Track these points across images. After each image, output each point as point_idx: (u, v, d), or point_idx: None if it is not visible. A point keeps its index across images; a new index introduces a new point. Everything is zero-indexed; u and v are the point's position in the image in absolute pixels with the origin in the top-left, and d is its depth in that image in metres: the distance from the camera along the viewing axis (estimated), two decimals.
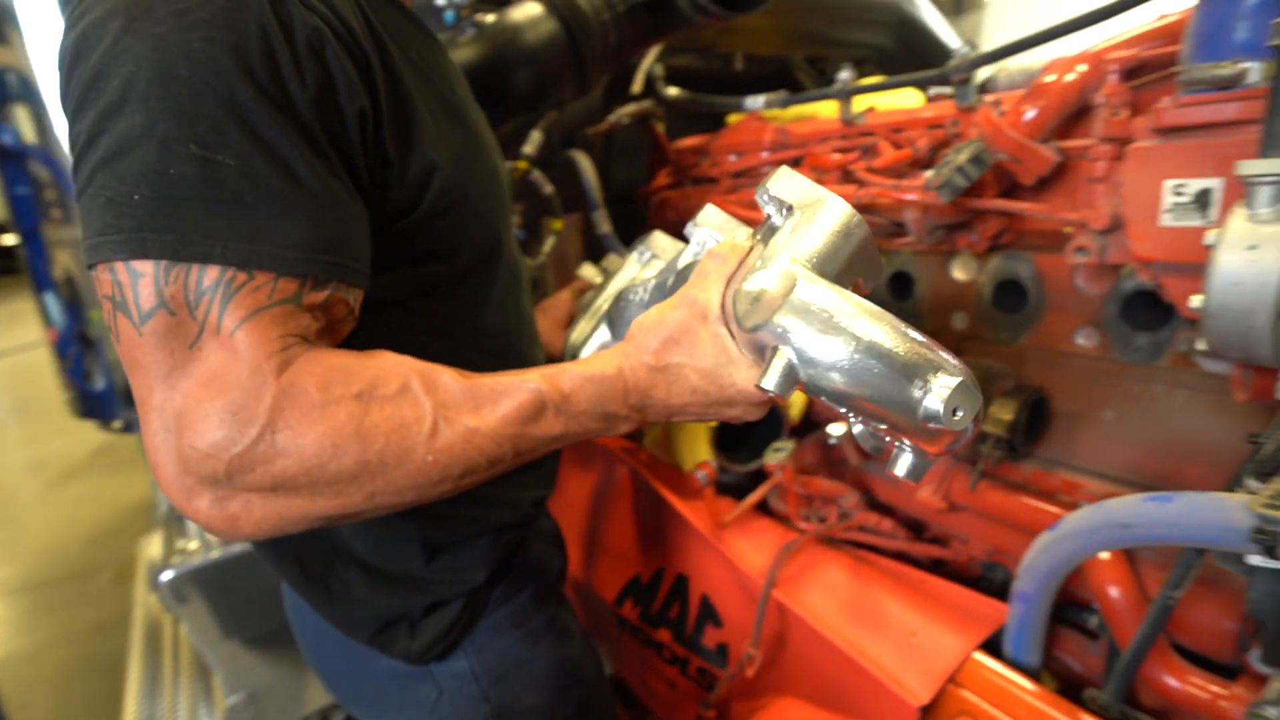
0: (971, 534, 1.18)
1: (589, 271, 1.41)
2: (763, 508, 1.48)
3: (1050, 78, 0.98)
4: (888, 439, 0.65)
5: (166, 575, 1.58)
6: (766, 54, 2.04)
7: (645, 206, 1.85)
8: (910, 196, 1.06)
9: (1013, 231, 1.14)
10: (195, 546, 1.77)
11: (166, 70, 0.57)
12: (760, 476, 1.36)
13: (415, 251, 0.78)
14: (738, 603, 1.29)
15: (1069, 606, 1.08)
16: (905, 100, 1.47)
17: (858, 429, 0.69)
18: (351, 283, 0.66)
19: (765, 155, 1.37)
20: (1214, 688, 0.86)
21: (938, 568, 1.27)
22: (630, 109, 1.77)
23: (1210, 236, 0.66)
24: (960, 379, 0.56)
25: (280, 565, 0.91)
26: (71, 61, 0.60)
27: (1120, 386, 1.08)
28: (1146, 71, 0.92)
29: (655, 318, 0.71)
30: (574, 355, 1.13)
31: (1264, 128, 0.64)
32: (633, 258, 1.17)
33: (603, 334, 1.10)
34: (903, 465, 0.63)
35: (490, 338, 0.89)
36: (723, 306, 0.68)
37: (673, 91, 1.79)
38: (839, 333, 0.58)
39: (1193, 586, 0.88)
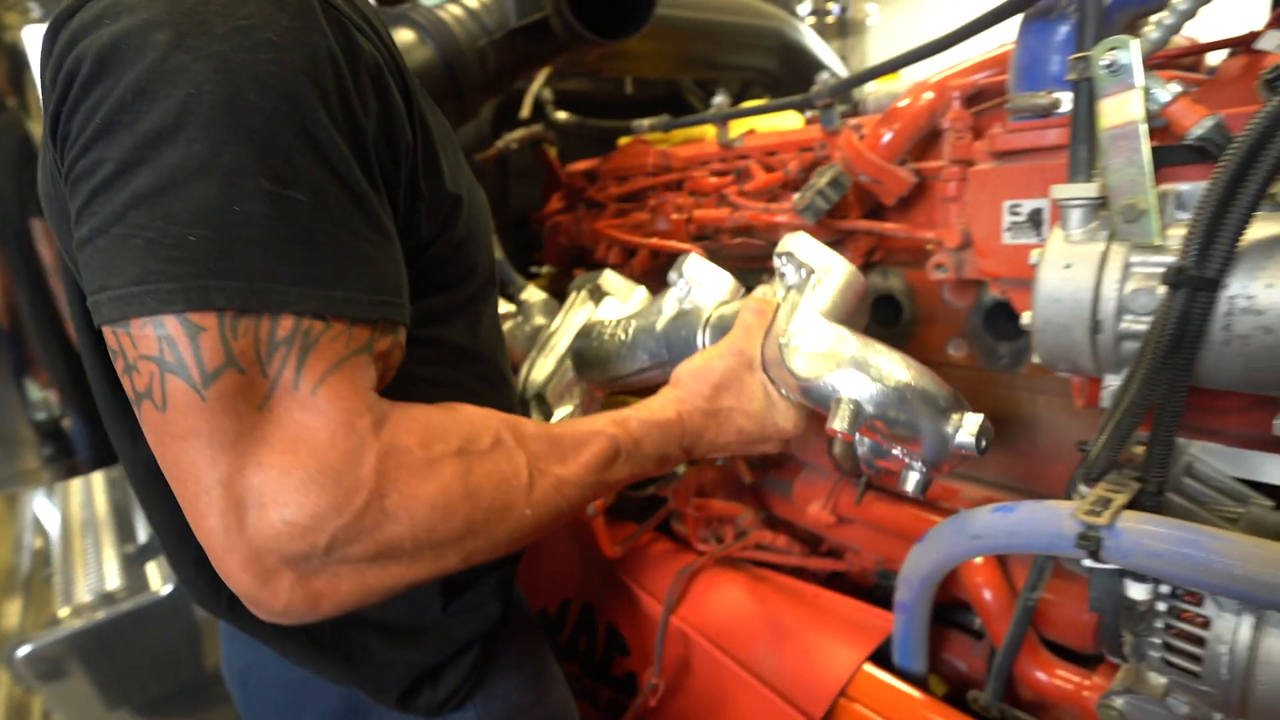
0: (862, 545, 1.20)
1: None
2: (668, 531, 1.48)
3: (903, 103, 1.03)
4: (897, 459, 0.76)
5: (25, 649, 1.44)
6: (655, 77, 2.07)
7: (540, 231, 1.84)
8: (781, 219, 1.08)
9: (883, 249, 1.18)
10: (66, 613, 1.63)
11: (234, 94, 0.50)
12: (660, 501, 1.35)
13: (430, 282, 0.74)
14: (643, 630, 1.28)
15: (956, 608, 1.12)
16: (786, 123, 1.51)
17: (862, 451, 0.79)
18: (406, 325, 0.61)
19: (648, 179, 1.37)
20: (1076, 679, 0.90)
21: (837, 578, 1.29)
22: (519, 134, 1.76)
23: (1034, 256, 0.70)
24: (981, 416, 0.70)
25: (278, 638, 0.80)
26: (93, 74, 0.51)
27: (989, 394, 1.13)
28: (985, 98, 0.98)
29: (701, 365, 0.80)
30: (537, 394, 1.11)
31: (1070, 154, 0.68)
32: (582, 295, 1.16)
33: (568, 374, 1.10)
34: (912, 483, 0.75)
35: (485, 363, 0.86)
36: (763, 355, 0.79)
37: (561, 115, 1.79)
38: (893, 382, 0.71)
39: (1058, 583, 0.93)
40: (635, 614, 1.30)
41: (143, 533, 1.88)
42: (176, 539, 0.77)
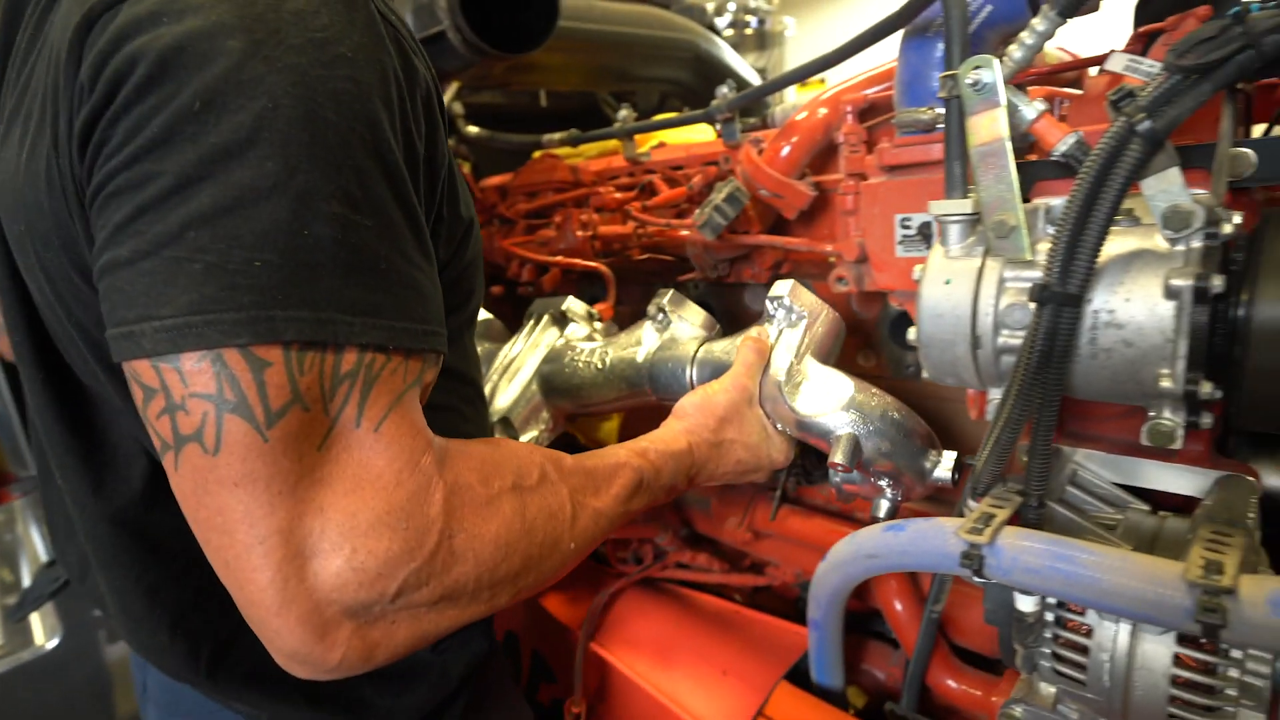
0: (781, 559, 1.20)
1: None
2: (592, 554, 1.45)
3: (800, 116, 1.03)
4: (870, 488, 0.83)
5: None
6: (569, 90, 2.05)
7: None
8: (686, 234, 1.07)
9: (790, 262, 1.18)
10: None
11: (312, 110, 0.46)
12: None
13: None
14: (566, 657, 1.25)
15: (875, 617, 1.12)
16: (700, 136, 1.51)
17: (838, 480, 0.86)
18: (445, 354, 0.59)
19: (557, 195, 1.35)
20: (985, 687, 0.91)
21: (763, 592, 1.29)
22: None
23: (916, 272, 0.70)
24: (955, 454, 0.80)
25: (269, 700, 0.72)
26: (151, 78, 0.45)
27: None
28: (878, 112, 0.99)
29: (705, 399, 0.83)
30: (503, 419, 1.10)
31: (946, 170, 0.68)
32: (545, 320, 1.17)
33: (535, 398, 1.12)
34: (883, 510, 0.82)
35: (471, 385, 0.84)
36: (760, 391, 0.86)
37: (473, 130, 1.75)
38: (886, 421, 0.79)
39: (968, 590, 0.93)
40: (558, 640, 1.27)
41: (27, 577, 1.74)
42: (146, 602, 0.68)
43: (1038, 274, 0.62)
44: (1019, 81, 0.81)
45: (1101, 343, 0.58)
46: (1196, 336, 0.54)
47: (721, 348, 0.92)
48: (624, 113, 1.26)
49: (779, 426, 0.86)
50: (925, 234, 0.86)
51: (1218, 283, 0.52)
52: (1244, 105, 0.87)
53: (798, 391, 0.84)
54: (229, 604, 0.50)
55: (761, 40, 2.91)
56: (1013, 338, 0.64)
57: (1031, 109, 0.65)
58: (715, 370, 0.90)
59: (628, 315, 1.20)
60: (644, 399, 1.03)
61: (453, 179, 0.67)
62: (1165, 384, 0.55)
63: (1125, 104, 0.53)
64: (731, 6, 3.66)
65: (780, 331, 0.89)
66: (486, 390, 1.12)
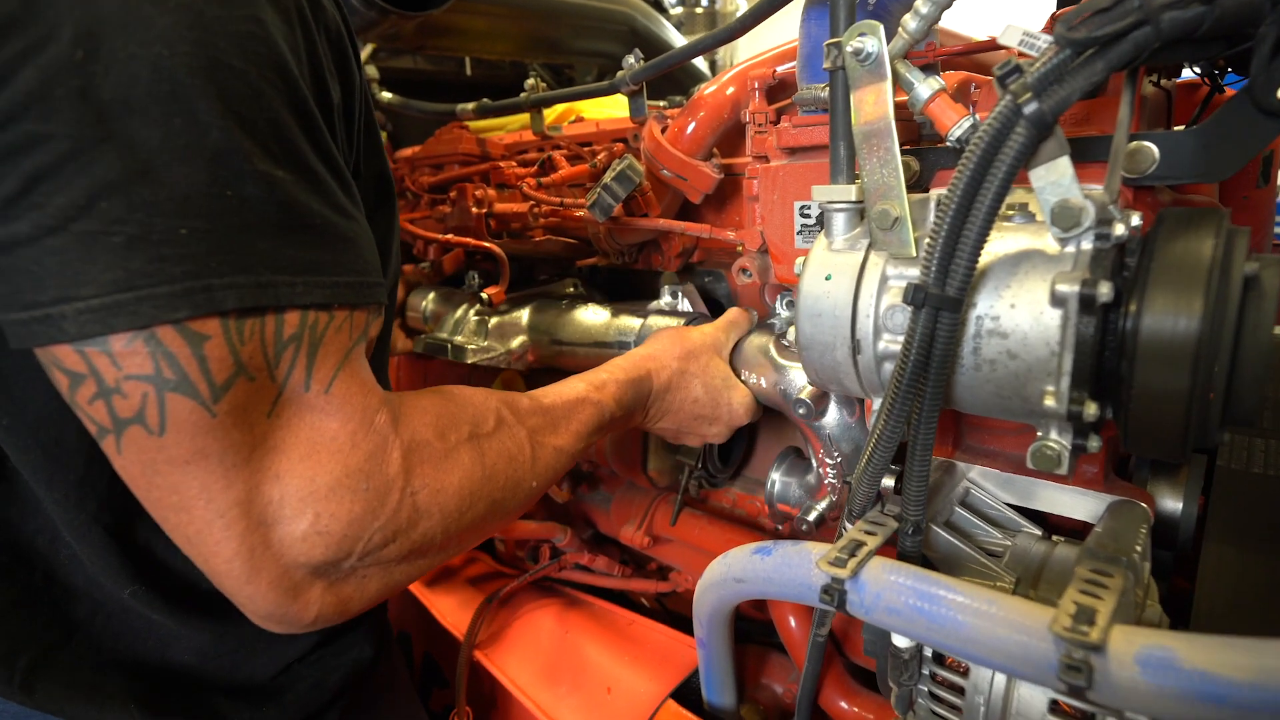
0: (683, 565, 1.13)
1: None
2: (491, 551, 1.37)
3: (708, 91, 0.95)
4: (799, 503, 0.88)
5: None
6: (495, 59, 1.94)
7: None
8: (581, 214, 0.98)
9: (702, 250, 1.11)
10: None
11: (215, 58, 0.42)
12: None
13: None
14: (454, 662, 1.16)
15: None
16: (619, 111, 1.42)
17: (777, 490, 0.92)
18: (385, 304, 0.57)
19: (459, 169, 1.24)
20: (873, 713, 0.85)
21: (669, 595, 1.22)
22: None
23: (798, 265, 0.63)
24: None
25: (100, 705, 0.63)
26: (13, 17, 0.39)
27: None
28: (789, 90, 0.91)
29: (675, 331, 0.88)
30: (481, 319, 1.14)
31: (831, 152, 0.61)
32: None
33: (520, 323, 1.14)
34: (813, 515, 0.84)
35: (389, 354, 0.81)
36: (742, 353, 0.90)
37: (386, 96, 1.62)
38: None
39: None
40: (447, 645, 1.18)
41: None
42: None
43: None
44: (928, 62, 0.74)
45: (985, 353, 0.52)
46: (1082, 350, 0.47)
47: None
48: (530, 81, 1.17)
49: (754, 379, 0.88)
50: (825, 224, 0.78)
51: (1105, 290, 0.45)
52: (1164, 104, 0.82)
53: (785, 357, 0.86)
54: (61, 608, 0.50)
55: (712, 21, 2.82)
56: (894, 343, 0.57)
57: (926, 87, 0.57)
58: None
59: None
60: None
61: (371, 132, 0.63)
62: (1049, 402, 0.49)
63: (1011, 80, 0.46)
64: None
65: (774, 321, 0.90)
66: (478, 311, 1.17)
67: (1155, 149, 0.53)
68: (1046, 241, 0.51)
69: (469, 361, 1.08)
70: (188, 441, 0.44)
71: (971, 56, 0.95)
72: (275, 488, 0.46)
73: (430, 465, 0.53)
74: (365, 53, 1.65)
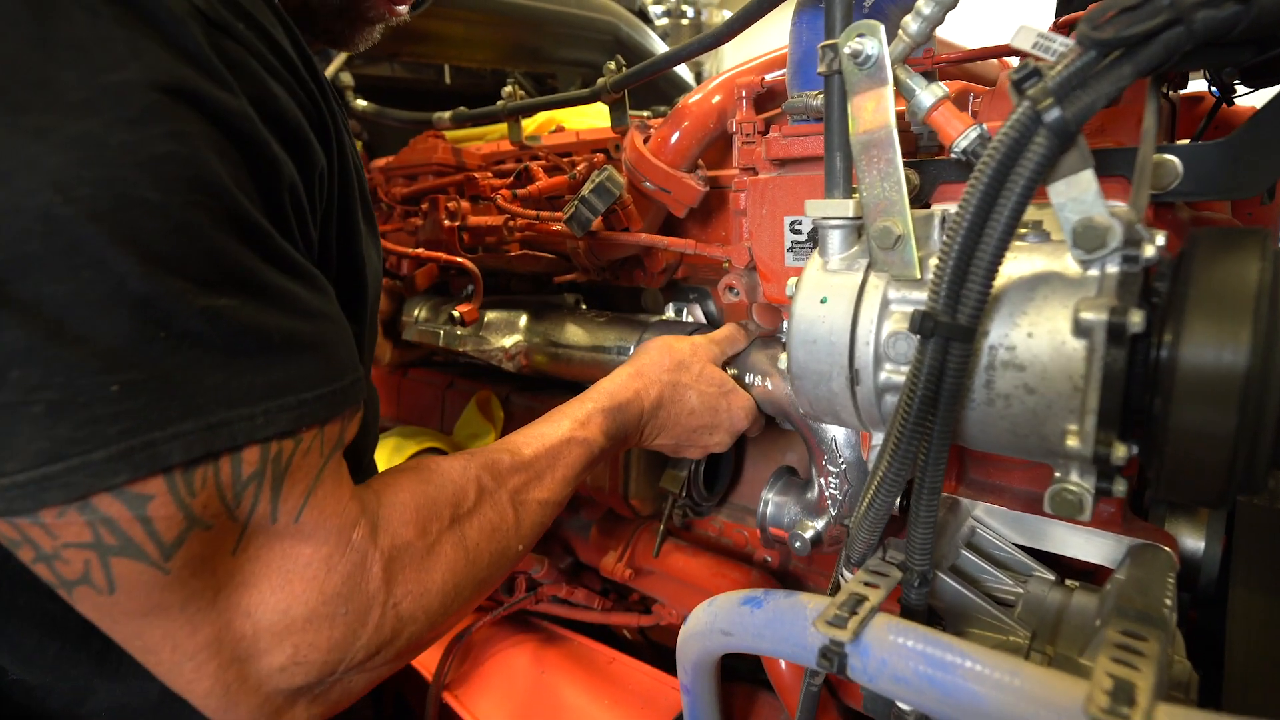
0: (667, 597, 1.07)
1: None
2: None
3: (693, 99, 0.90)
4: (794, 521, 0.82)
5: None
6: (478, 68, 1.88)
7: None
8: (558, 228, 0.93)
9: (686, 266, 1.06)
10: None
11: (123, 195, 0.37)
12: None
13: None
14: (424, 701, 1.09)
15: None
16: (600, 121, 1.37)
17: (771, 511, 0.85)
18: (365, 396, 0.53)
19: (434, 180, 1.19)
20: None
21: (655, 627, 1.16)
22: None
23: (790, 286, 0.57)
24: None
25: None
26: None
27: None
28: (778, 99, 0.86)
29: (663, 343, 0.83)
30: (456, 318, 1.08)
31: (826, 163, 0.55)
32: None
33: (518, 322, 1.10)
34: (800, 542, 0.79)
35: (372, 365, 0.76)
36: (748, 361, 0.85)
37: (361, 104, 1.57)
38: None
39: None
40: (417, 683, 1.11)
41: None
42: None
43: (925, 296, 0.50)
44: (926, 70, 0.69)
45: (999, 387, 0.47)
46: (1110, 386, 0.42)
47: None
48: (508, 89, 1.11)
49: (759, 382, 0.83)
50: (817, 240, 0.74)
51: (1137, 319, 0.40)
52: (1168, 116, 0.78)
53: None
54: None
55: (698, 32, 2.79)
56: (896, 374, 0.52)
57: (929, 94, 0.52)
58: None
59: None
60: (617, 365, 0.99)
61: (349, 217, 0.56)
62: (1072, 443, 0.44)
63: (1029, 85, 0.41)
64: None
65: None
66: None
67: (1179, 163, 0.48)
68: (1065, 263, 0.46)
69: (460, 350, 1.03)
70: (142, 598, 0.40)
71: (963, 67, 0.92)
72: (247, 624, 0.44)
73: (412, 569, 0.51)
74: (339, 60, 1.59)
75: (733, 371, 0.87)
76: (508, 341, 1.07)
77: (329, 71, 1.58)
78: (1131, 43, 0.39)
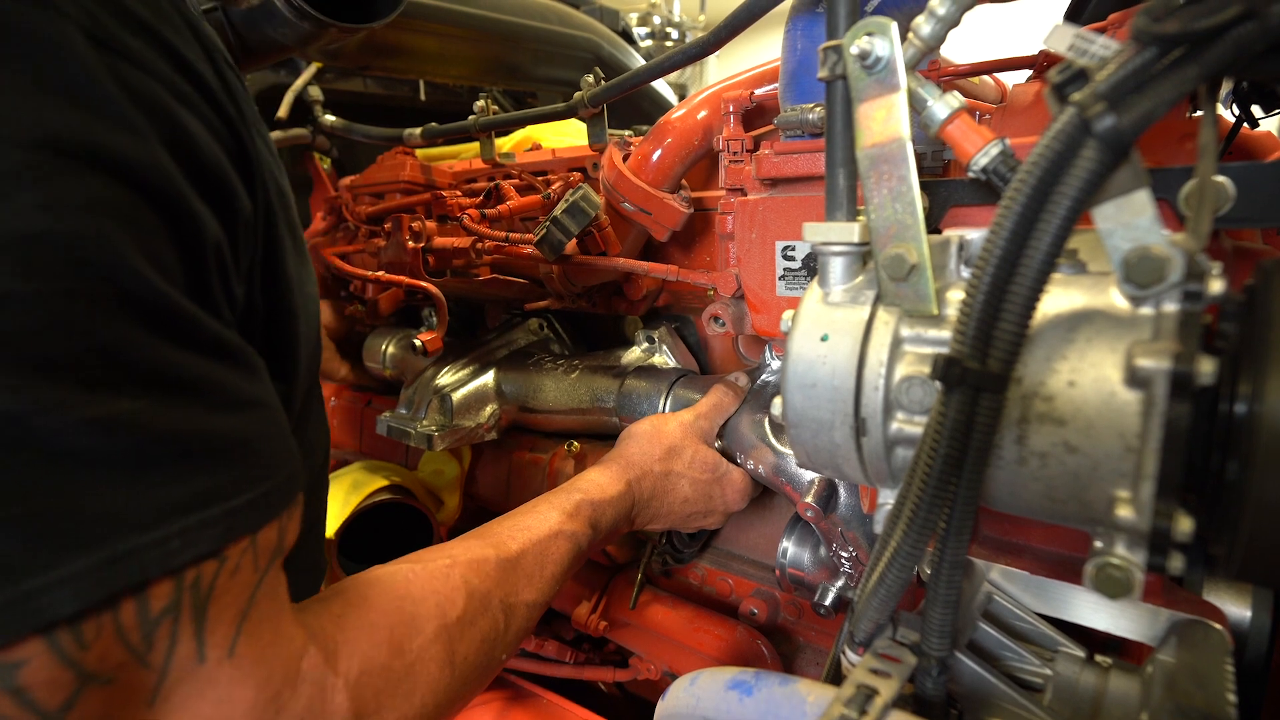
0: (645, 651, 0.98)
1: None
2: None
3: (676, 115, 0.84)
4: (817, 575, 0.79)
5: None
6: (454, 84, 1.83)
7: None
8: (528, 250, 0.85)
9: (670, 293, 0.99)
10: None
11: None
12: None
13: None
14: None
15: None
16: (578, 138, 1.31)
17: (788, 560, 0.81)
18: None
19: (401, 199, 1.11)
20: None
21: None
22: (274, 136, 1.44)
23: (785, 321, 0.50)
24: None
25: None
26: None
27: None
28: (768, 116, 0.80)
29: (653, 427, 0.80)
30: (441, 393, 1.02)
31: (827, 181, 0.49)
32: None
33: (486, 389, 1.06)
34: (830, 597, 0.77)
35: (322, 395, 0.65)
36: (736, 432, 0.81)
37: (330, 119, 1.50)
38: None
39: None
40: None
41: None
42: None
43: (946, 336, 0.43)
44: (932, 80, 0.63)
45: (1033, 443, 0.40)
46: (1173, 447, 0.35)
47: (700, 387, 0.88)
48: (480, 104, 1.05)
49: (751, 465, 0.79)
50: (812, 268, 0.67)
51: (1207, 368, 0.33)
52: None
53: (783, 441, 0.78)
54: None
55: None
56: (910, 424, 0.45)
57: (943, 105, 0.46)
58: (688, 406, 0.85)
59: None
60: (598, 421, 0.97)
61: (276, 262, 0.48)
62: (1124, 513, 0.37)
63: (1073, 89, 0.34)
64: (656, 20, 3.52)
65: (767, 383, 0.83)
66: (431, 370, 1.06)
67: (1230, 185, 0.42)
68: (1111, 299, 0.39)
69: (438, 449, 0.96)
70: None
71: (956, 83, 0.86)
72: None
73: (388, 693, 0.44)
74: (308, 74, 1.52)
75: (721, 445, 0.83)
76: (484, 415, 1.03)
77: (298, 85, 1.51)
78: (1201, 38, 0.32)
